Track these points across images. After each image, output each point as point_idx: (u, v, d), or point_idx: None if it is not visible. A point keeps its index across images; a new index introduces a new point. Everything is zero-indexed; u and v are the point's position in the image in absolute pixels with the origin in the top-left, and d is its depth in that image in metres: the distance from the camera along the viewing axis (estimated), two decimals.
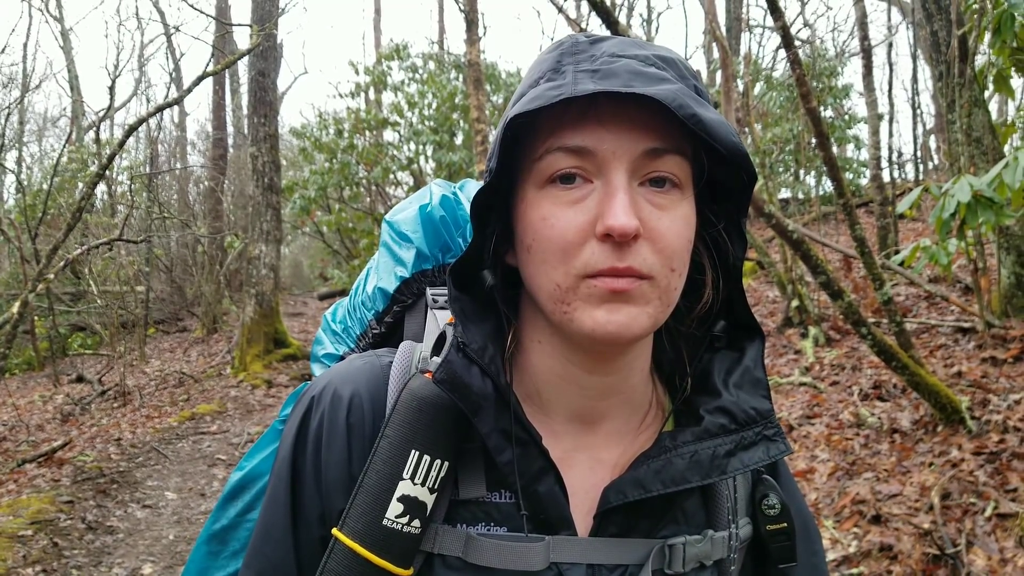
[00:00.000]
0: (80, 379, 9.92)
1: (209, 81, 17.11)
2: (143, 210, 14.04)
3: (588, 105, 0.64)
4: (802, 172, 12.33)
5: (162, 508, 4.93)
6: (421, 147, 12.88)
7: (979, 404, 3.77)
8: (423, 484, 0.68)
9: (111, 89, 13.88)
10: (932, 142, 14.60)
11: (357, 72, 13.72)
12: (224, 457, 6.10)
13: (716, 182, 0.71)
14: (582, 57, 0.67)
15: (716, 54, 12.26)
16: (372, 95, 14.75)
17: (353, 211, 14.06)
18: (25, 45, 30.37)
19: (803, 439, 4.21)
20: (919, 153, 14.63)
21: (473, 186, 0.99)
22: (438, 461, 0.69)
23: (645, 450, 0.73)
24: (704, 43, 16.53)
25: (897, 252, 4.53)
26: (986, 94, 5.11)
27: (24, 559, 3.93)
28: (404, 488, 0.68)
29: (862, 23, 9.70)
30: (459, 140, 12.95)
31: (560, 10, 6.09)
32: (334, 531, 0.69)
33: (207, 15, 10.05)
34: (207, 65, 8.20)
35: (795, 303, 6.71)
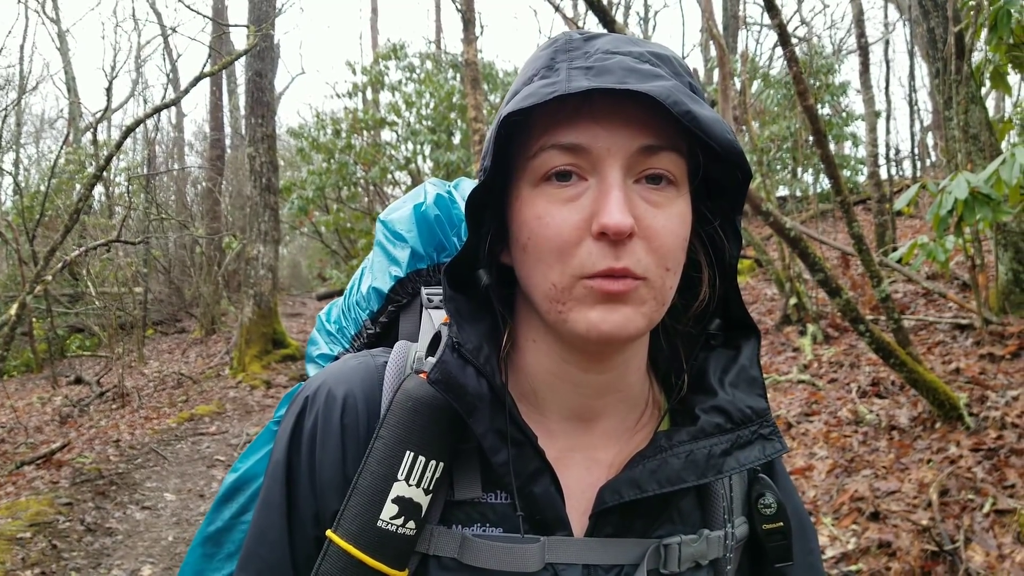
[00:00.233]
0: (78, 381, 9.92)
1: (206, 82, 17.09)
2: (141, 211, 14.01)
3: (582, 102, 0.64)
4: (800, 170, 12.33)
5: (161, 509, 4.93)
6: (419, 147, 12.88)
7: (977, 401, 3.78)
8: (418, 485, 0.68)
9: (108, 90, 13.85)
10: (929, 139, 14.61)
11: (354, 72, 13.73)
12: (223, 458, 6.09)
13: (711, 179, 0.71)
14: (576, 54, 0.66)
15: (713, 52, 12.27)
16: (369, 95, 14.75)
17: (351, 211, 14.07)
18: (22, 47, 30.31)
19: (801, 436, 4.22)
20: (916, 150, 14.64)
21: (468, 184, 0.99)
22: (433, 462, 0.69)
23: (641, 449, 0.72)
24: (701, 41, 16.54)
25: (895, 249, 4.54)
26: (983, 91, 5.11)
27: (23, 561, 3.92)
28: (399, 489, 0.68)
29: (859, 20, 9.70)
30: (457, 139, 12.96)
31: (557, 9, 6.07)
32: (328, 533, 0.69)
33: (204, 16, 10.03)
34: (204, 66, 8.18)
35: (793, 301, 6.71)
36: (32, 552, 4.04)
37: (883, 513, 3.13)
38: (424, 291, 0.88)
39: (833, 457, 3.80)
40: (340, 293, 1.02)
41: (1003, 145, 4.97)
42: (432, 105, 12.98)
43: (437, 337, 0.77)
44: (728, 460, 0.70)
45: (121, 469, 5.71)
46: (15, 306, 6.06)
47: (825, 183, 11.75)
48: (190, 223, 15.59)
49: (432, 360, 0.71)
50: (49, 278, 6.96)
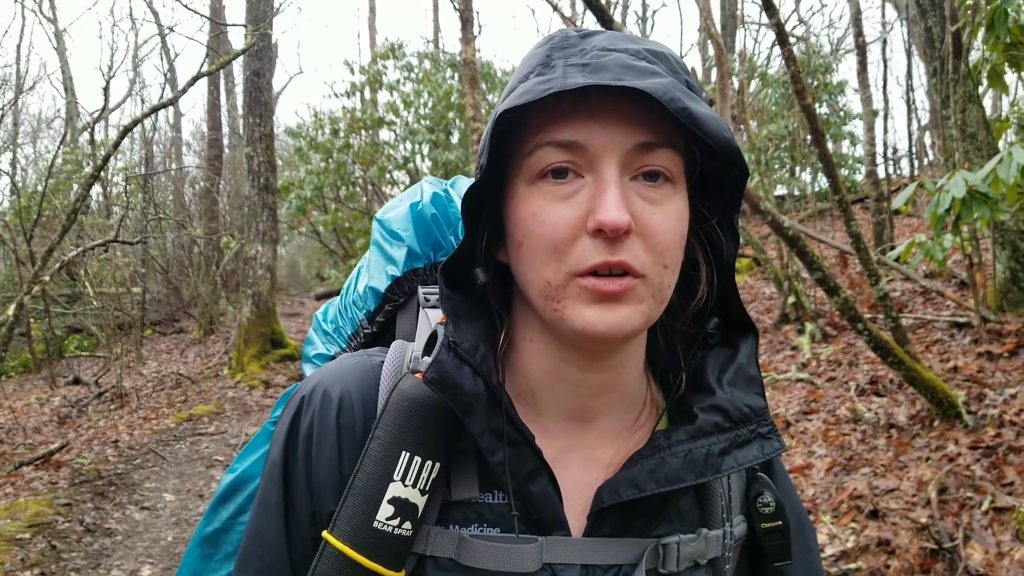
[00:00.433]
0: (77, 381, 9.91)
1: (204, 81, 17.10)
2: (139, 211, 13.98)
3: (579, 99, 0.63)
4: (798, 169, 12.34)
5: (160, 510, 4.92)
6: (417, 146, 12.87)
7: (975, 399, 3.78)
8: (414, 486, 0.68)
9: (105, 90, 13.79)
10: (927, 138, 14.63)
11: (352, 71, 13.71)
12: (222, 458, 6.08)
13: (709, 177, 0.71)
14: (572, 51, 0.66)
15: (711, 51, 12.26)
16: (368, 94, 14.74)
17: (349, 211, 14.06)
18: (19, 47, 30.05)
19: (800, 435, 4.22)
20: (914, 149, 14.64)
21: (465, 183, 0.98)
22: (429, 462, 0.68)
23: (639, 449, 0.72)
24: (699, 40, 16.55)
25: (893, 248, 4.54)
26: (980, 90, 5.11)
27: (22, 562, 3.92)
28: (395, 490, 0.67)
29: (856, 20, 9.70)
30: (455, 139, 12.95)
31: (555, 8, 6.06)
32: (324, 534, 0.68)
33: (201, 15, 10.03)
34: (202, 65, 8.17)
35: (791, 299, 6.71)
36: (31, 553, 4.03)
37: (882, 511, 3.13)
38: (421, 290, 0.87)
39: (832, 455, 3.80)
40: (338, 293, 1.02)
41: (1000, 144, 4.97)
42: (430, 104, 12.97)
43: (434, 336, 0.76)
44: (726, 459, 0.70)
45: (120, 469, 5.70)
46: (13, 307, 6.04)
47: (823, 182, 11.75)
48: (188, 223, 15.58)
49: (428, 360, 0.71)
50: (47, 278, 6.95)
